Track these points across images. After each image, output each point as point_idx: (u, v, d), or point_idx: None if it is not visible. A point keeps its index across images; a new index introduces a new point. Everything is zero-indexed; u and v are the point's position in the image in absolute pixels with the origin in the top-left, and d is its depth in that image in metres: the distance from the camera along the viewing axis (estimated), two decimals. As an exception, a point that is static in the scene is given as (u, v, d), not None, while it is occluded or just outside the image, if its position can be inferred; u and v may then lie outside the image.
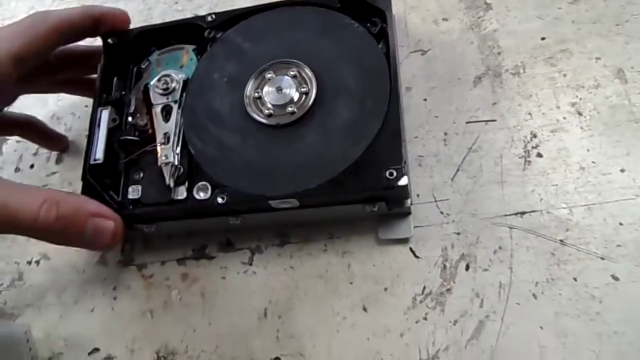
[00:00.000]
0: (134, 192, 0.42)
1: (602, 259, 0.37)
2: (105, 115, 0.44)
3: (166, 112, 0.43)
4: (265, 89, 0.41)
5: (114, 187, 0.43)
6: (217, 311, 0.42)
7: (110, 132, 0.44)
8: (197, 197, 0.40)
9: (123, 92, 0.46)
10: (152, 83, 0.44)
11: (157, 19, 0.57)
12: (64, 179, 0.51)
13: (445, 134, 0.43)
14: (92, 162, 0.43)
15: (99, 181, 0.42)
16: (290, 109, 0.40)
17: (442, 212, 0.41)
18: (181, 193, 0.41)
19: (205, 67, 0.44)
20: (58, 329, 0.45)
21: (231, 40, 0.44)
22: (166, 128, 0.42)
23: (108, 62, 0.47)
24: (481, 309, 0.38)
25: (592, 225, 0.38)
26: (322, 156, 0.38)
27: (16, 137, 0.55)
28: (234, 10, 0.45)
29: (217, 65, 0.44)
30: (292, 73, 0.41)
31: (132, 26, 0.49)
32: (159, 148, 0.42)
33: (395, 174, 0.36)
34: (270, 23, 0.44)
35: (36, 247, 0.49)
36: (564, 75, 0.43)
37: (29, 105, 0.55)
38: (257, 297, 0.42)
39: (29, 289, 0.47)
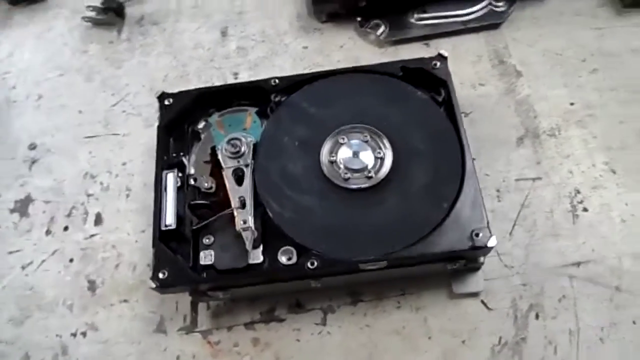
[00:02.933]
0: (206, 257, 0.41)
1: (654, 303, 0.42)
2: (171, 178, 0.43)
3: (237, 175, 0.43)
4: (340, 153, 0.43)
5: (181, 253, 0.42)
6: (296, 375, 0.42)
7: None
8: (281, 261, 0.40)
9: (181, 154, 0.46)
10: (221, 146, 0.44)
11: (192, 76, 0.57)
12: (106, 242, 0.49)
13: (498, 191, 0.47)
14: (163, 227, 0.41)
15: (168, 247, 0.41)
16: (367, 173, 0.42)
17: (506, 265, 0.44)
18: (257, 257, 0.41)
19: (274, 130, 0.45)
20: (118, 407, 0.42)
21: (297, 104, 0.46)
22: (240, 192, 0.42)
23: (164, 122, 0.46)
24: (556, 356, 0.41)
25: (640, 273, 0.43)
26: (405, 219, 0.40)
27: (44, 197, 0.51)
28: (298, 75, 0.47)
29: (285, 129, 0.45)
30: (364, 138, 0.43)
31: (167, 83, 0.49)
32: (235, 213, 0.41)
33: (480, 234, 0.38)
34: (334, 89, 0.46)
35: (80, 317, 0.46)
36: (594, 137, 0.49)
37: (57, 163, 0.53)
38: (335, 357, 0.42)
39: (77, 365, 0.44)
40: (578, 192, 0.46)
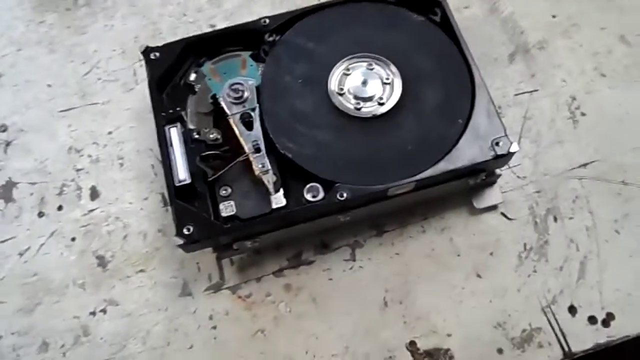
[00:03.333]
0: (227, 209, 0.40)
1: (658, 190, 0.44)
2: (175, 133, 0.41)
3: (244, 120, 0.41)
4: (348, 83, 0.42)
5: (201, 208, 0.40)
6: (335, 313, 0.42)
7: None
8: (309, 199, 0.39)
9: (178, 109, 0.43)
10: (223, 93, 0.42)
11: (167, 34, 0.53)
12: (108, 215, 0.46)
13: (500, 107, 0.48)
14: (177, 184, 0.39)
15: (187, 203, 0.39)
16: (378, 100, 0.41)
17: (518, 177, 0.45)
18: (279, 201, 0.40)
19: (274, 71, 0.43)
20: (158, 376, 0.40)
21: (293, 41, 0.44)
22: (253, 137, 0.41)
23: (154, 78, 0.43)
24: (578, 252, 0.43)
25: (642, 164, 0.45)
26: (425, 139, 0.40)
27: (28, 179, 0.47)
28: (288, 13, 0.45)
29: (285, 68, 0.43)
30: (370, 67, 0.42)
31: (140, 44, 0.46)
32: (251, 158, 0.40)
33: (501, 142, 0.39)
34: (328, 22, 0.45)
35: (96, 295, 0.43)
36: (580, 46, 0.50)
37: (34, 142, 0.49)
38: (372, 289, 0.42)
39: (102, 343, 0.42)
40: (574, 98, 0.48)
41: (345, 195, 0.38)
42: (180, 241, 0.37)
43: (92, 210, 0.46)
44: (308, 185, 0.39)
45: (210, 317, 0.42)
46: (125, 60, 0.52)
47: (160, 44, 0.44)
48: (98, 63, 0.52)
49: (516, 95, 0.48)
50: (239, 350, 0.41)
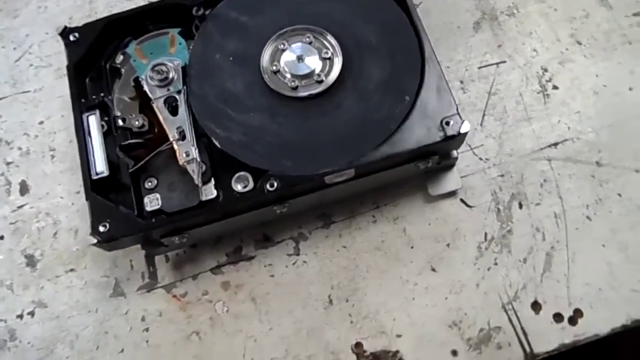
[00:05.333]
0: (152, 202, 0.36)
1: (637, 171, 0.39)
2: (93, 120, 0.38)
3: (170, 105, 0.38)
4: (283, 60, 0.38)
5: (123, 202, 0.37)
6: (276, 312, 0.38)
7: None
8: (237, 189, 0.35)
9: (102, 95, 0.39)
10: (144, 75, 0.38)
11: (103, 13, 0.49)
12: (38, 211, 0.43)
13: (462, 82, 0.43)
14: (94, 176, 0.36)
15: (105, 198, 0.36)
16: (316, 77, 0.37)
17: (480, 159, 0.41)
18: (210, 192, 0.36)
19: (203, 49, 0.39)
20: (84, 383, 0.38)
21: (224, 15, 0.40)
22: (177, 122, 0.37)
23: (73, 61, 0.39)
24: (545, 242, 0.38)
25: (619, 143, 0.40)
26: (366, 120, 0.36)
27: (-45, 174, 0.44)
28: (220, -17, 0.40)
29: (216, 45, 0.39)
30: (307, 40, 0.38)
31: (74, 24, 0.42)
32: (175, 146, 0.36)
33: (451, 122, 0.35)
34: (263, -8, 0.40)
35: (23, 297, 0.40)
36: (555, 10, 0.45)
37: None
38: (316, 286, 0.39)
39: (29, 348, 0.39)
40: (545, 70, 0.43)
41: (275, 185, 0.34)
42: (95, 239, 0.34)
43: (21, 207, 0.43)
44: (236, 175, 0.36)
45: (143, 319, 0.39)
46: (59, 43, 0.47)
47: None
48: (30, 48, 0.49)
49: (480, 67, 0.44)
50: (172, 355, 0.38)
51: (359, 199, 0.40)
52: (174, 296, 0.39)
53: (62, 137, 0.45)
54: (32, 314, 0.40)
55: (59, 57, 0.47)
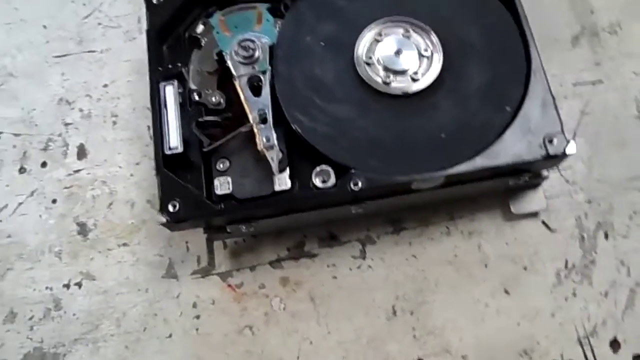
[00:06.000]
0: (222, 185, 0.34)
1: None
2: (170, 91, 0.35)
3: (252, 84, 0.35)
4: (379, 52, 0.35)
5: (193, 181, 0.35)
6: (335, 316, 0.36)
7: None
8: (317, 184, 0.33)
9: (179, 65, 0.37)
10: (230, 50, 0.36)
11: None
12: (94, 177, 0.41)
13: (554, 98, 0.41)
14: (167, 152, 0.34)
15: (177, 175, 0.34)
16: (413, 75, 0.35)
17: (567, 181, 0.39)
18: (284, 182, 0.34)
19: (293, 29, 0.37)
20: (129, 365, 0.36)
21: (319, -4, 0.37)
22: (260, 104, 0.35)
23: (154, 26, 0.37)
24: (629, 278, 0.36)
25: None
26: (463, 126, 0.34)
27: (13, 129, 0.43)
28: (318, -40, 0.38)
29: (307, 27, 0.37)
30: (407, 33, 0.36)
31: None
32: (255, 129, 0.34)
33: (555, 140, 0.32)
34: (364, -24, 0.38)
35: (72, 266, 0.39)
36: (660, 32, 0.42)
37: (23, 89, 0.44)
38: (381, 294, 0.37)
39: (74, 320, 0.37)
40: (644, 95, 0.40)
41: (360, 184, 0.32)
42: (164, 219, 0.32)
43: (77, 171, 0.41)
44: (318, 169, 0.33)
45: (195, 305, 0.37)
46: (130, 4, 0.46)
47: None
48: (100, 6, 0.47)
49: (575, 85, 0.41)
50: (222, 346, 0.36)
51: (433, 208, 0.38)
52: (229, 285, 0.38)
53: (127, 103, 0.43)
54: (79, 285, 0.38)
55: (129, 18, 0.46)
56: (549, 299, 0.36)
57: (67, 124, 0.43)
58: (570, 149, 0.32)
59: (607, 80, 0.41)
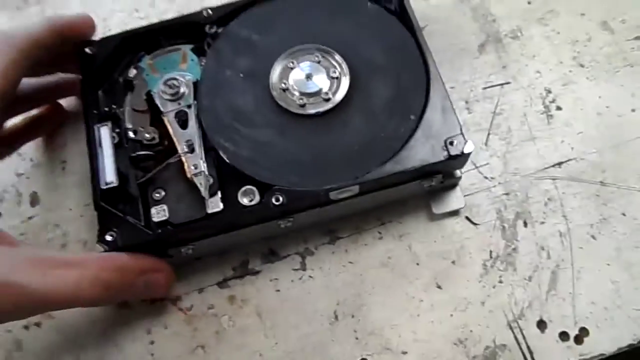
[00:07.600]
0: (159, 213, 0.37)
1: (640, 190, 0.40)
2: (105, 132, 0.38)
3: (180, 118, 0.38)
4: (292, 78, 0.38)
5: (132, 212, 0.37)
6: (281, 327, 0.38)
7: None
8: (243, 203, 0.36)
9: (114, 106, 0.40)
10: (156, 90, 0.39)
11: (116, 30, 0.50)
12: (46, 222, 0.43)
13: (467, 102, 0.44)
14: (104, 186, 0.36)
15: (116, 208, 0.36)
16: (324, 96, 0.38)
17: (486, 177, 0.41)
18: (216, 205, 0.37)
19: (214, 65, 0.40)
20: (88, 395, 0.37)
21: (236, 33, 0.41)
22: (187, 136, 0.38)
23: (88, 75, 0.40)
24: (550, 260, 0.38)
25: (623, 163, 0.41)
26: (372, 138, 0.37)
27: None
28: (232, 4, 0.41)
29: (227, 61, 0.40)
30: (316, 59, 0.39)
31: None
32: (184, 159, 0.37)
33: (455, 142, 0.35)
34: (274, 11, 0.41)
35: (29, 307, 0.40)
36: (558, 33, 0.46)
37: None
38: (322, 301, 0.39)
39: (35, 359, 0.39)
40: (549, 91, 0.44)
41: (281, 199, 0.35)
42: (101, 249, 0.34)
43: (30, 218, 0.44)
44: (243, 189, 0.36)
45: (149, 332, 0.39)
46: None
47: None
48: (46, 62, 0.50)
49: (485, 88, 0.44)
50: (176, 368, 0.38)
51: (365, 215, 0.41)
52: (180, 309, 0.40)
53: (74, 148, 0.46)
54: (38, 324, 0.40)
55: (73, 72, 0.49)
56: (478, 288, 0.38)
57: (19, 175, 0.45)
58: (468, 147, 0.35)
59: (514, 81, 0.44)
